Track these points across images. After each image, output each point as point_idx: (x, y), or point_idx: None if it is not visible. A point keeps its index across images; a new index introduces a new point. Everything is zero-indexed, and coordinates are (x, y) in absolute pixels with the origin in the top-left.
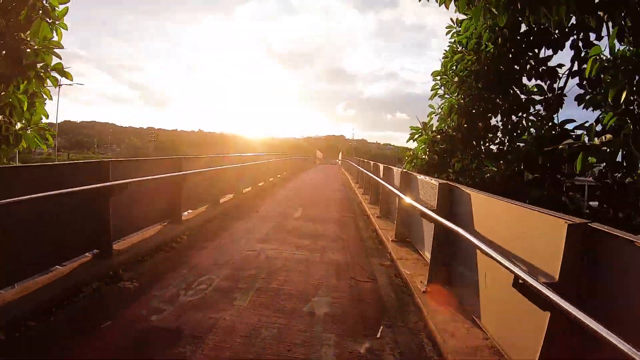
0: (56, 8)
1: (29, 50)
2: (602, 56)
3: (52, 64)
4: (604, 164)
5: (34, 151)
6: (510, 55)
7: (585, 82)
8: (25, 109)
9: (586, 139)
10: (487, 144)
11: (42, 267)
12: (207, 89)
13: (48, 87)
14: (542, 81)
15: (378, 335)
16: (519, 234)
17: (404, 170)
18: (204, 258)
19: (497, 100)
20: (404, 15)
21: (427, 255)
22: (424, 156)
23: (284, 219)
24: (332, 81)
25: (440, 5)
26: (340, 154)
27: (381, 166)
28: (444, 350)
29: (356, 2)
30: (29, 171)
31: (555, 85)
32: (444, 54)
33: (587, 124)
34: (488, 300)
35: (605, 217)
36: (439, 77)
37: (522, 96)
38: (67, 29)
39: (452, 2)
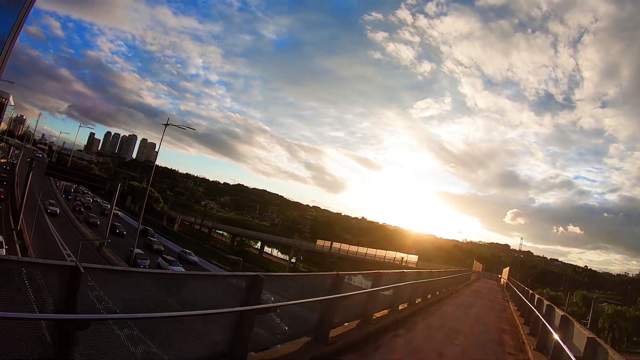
0: None
1: None
2: None
3: None
4: None
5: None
6: None
7: None
8: None
9: None
10: None
11: None
12: (377, 179)
13: None
14: None
15: None
16: None
17: None
18: None
19: None
20: (581, 119)
21: None
22: None
23: None
24: (503, 186)
25: None
26: (507, 272)
27: None
28: None
29: (532, 104)
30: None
31: None
32: None
33: None
34: None
35: None
36: None
37: None
38: None
39: None
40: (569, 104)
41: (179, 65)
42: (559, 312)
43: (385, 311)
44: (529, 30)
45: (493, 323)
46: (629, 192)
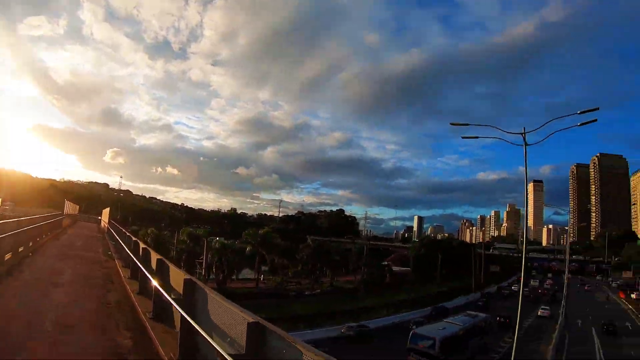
0: None
1: None
2: None
3: None
4: None
5: None
6: None
7: None
8: None
9: None
10: None
11: None
12: None
13: None
14: None
15: None
16: None
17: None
18: None
19: None
20: (192, 70)
21: None
22: None
23: None
24: (105, 124)
25: None
26: (107, 213)
27: None
28: None
29: (148, 47)
30: None
31: None
32: None
33: None
34: None
35: None
36: None
37: None
38: None
39: None
40: (183, 55)
41: None
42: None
43: None
44: None
45: (91, 337)
46: (223, 141)
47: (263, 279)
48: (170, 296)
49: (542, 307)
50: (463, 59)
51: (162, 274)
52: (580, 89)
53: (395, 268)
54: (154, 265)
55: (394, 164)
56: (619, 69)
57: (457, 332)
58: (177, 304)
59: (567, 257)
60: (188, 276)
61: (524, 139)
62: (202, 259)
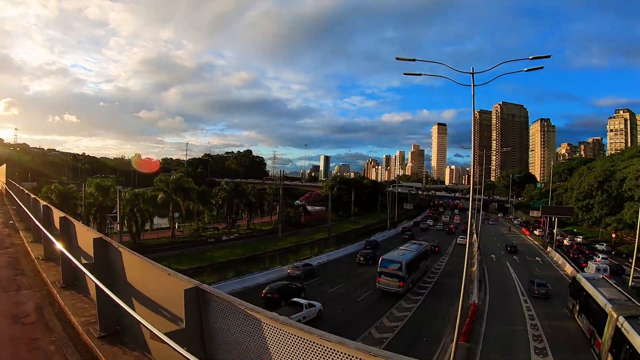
0: None
1: None
2: None
3: None
4: None
5: None
6: None
7: None
8: None
9: None
10: None
11: None
12: None
13: None
14: None
15: None
16: None
17: None
18: None
19: None
20: (88, 8)
21: None
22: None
23: None
24: None
25: None
26: (4, 172)
27: None
28: None
29: None
30: None
31: None
32: None
33: None
34: None
35: None
36: None
37: None
38: None
39: None
40: None
41: None
42: None
43: None
44: None
45: None
46: (124, 84)
47: (178, 227)
48: (134, 310)
49: (460, 237)
50: (375, 3)
51: (103, 258)
52: (485, 40)
53: (309, 207)
54: (84, 245)
55: (299, 104)
56: (524, 25)
57: (414, 257)
58: (173, 339)
59: (481, 196)
60: (195, 283)
61: (472, 79)
62: (115, 212)
